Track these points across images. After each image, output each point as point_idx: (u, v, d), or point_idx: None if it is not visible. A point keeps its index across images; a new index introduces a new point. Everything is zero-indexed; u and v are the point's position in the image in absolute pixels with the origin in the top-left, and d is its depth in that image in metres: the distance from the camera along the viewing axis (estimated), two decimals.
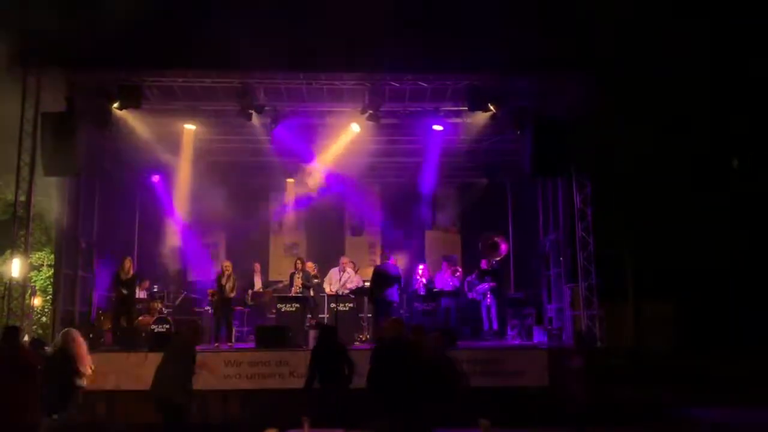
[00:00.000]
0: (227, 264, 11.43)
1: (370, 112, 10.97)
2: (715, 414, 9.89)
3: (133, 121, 11.22)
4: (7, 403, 5.95)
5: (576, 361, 7.04)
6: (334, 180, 14.23)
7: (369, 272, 12.54)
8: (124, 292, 11.02)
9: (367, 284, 11.87)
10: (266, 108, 11.15)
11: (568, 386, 7.04)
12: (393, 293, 11.13)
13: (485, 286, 12.36)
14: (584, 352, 7.08)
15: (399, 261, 12.56)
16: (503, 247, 12.70)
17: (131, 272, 11.18)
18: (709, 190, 16.33)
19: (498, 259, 12.70)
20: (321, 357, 7.06)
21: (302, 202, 14.77)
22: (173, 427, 6.42)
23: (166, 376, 6.48)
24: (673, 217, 16.16)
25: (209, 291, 12.12)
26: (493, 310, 12.32)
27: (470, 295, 12.65)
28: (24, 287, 10.25)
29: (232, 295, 11.20)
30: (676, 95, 14.93)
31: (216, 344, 10.77)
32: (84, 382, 7.11)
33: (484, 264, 12.57)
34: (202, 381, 8.05)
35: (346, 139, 12.24)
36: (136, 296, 11.74)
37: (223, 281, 11.12)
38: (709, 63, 14.86)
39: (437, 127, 11.83)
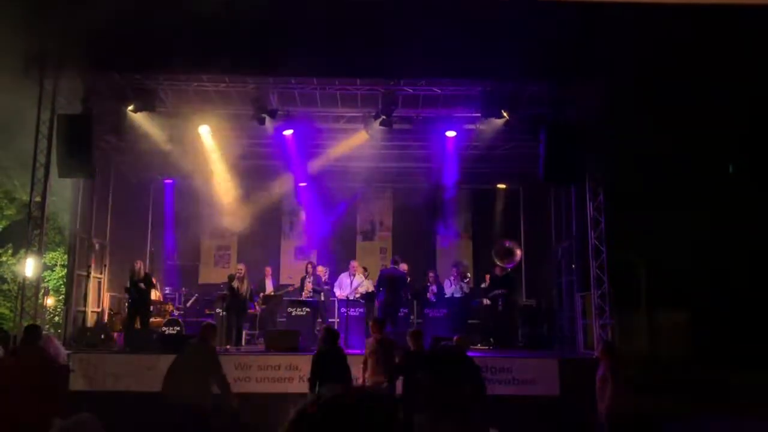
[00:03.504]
0: (241, 267, 11.51)
1: (383, 117, 10.97)
2: (732, 424, 9.76)
3: (147, 123, 11.29)
4: (27, 401, 6.00)
5: (603, 370, 6.95)
6: (346, 184, 14.24)
7: None
8: (139, 291, 11.05)
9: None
10: (279, 112, 11.19)
11: (597, 395, 6.95)
12: (399, 297, 11.08)
13: (497, 292, 12.30)
14: (612, 362, 6.99)
15: (409, 266, 12.53)
16: (518, 253, 12.62)
17: (143, 274, 11.23)
18: (726, 197, 16.16)
19: (512, 265, 12.63)
20: (324, 361, 7.08)
21: (314, 206, 14.78)
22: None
23: (196, 384, 6.45)
24: (688, 224, 16.01)
25: (219, 294, 12.19)
26: (505, 318, 12.24)
27: (485, 302, 12.58)
28: (37, 287, 10.31)
29: (246, 297, 11.29)
30: (692, 103, 14.80)
31: (227, 347, 10.80)
32: None
33: (497, 271, 12.51)
34: None
35: (358, 143, 12.24)
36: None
37: (237, 284, 11.18)
38: (725, 70, 14.73)
39: (450, 133, 11.82)
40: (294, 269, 14.43)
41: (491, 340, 11.90)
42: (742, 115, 15.32)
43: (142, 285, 11.05)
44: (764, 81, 14.23)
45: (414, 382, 6.24)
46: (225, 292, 11.84)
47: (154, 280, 12.24)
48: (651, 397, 9.87)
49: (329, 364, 7.08)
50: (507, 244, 12.69)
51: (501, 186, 14.34)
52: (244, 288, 11.30)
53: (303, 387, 9.03)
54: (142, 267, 11.33)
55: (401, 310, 11.58)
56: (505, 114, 10.87)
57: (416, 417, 5.71)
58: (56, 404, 6.19)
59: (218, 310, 12.40)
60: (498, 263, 12.51)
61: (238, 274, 11.38)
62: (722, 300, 16.55)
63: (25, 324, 9.95)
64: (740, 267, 16.33)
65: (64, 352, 8.25)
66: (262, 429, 8.57)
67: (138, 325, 10.99)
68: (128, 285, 11.14)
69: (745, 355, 15.00)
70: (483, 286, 12.71)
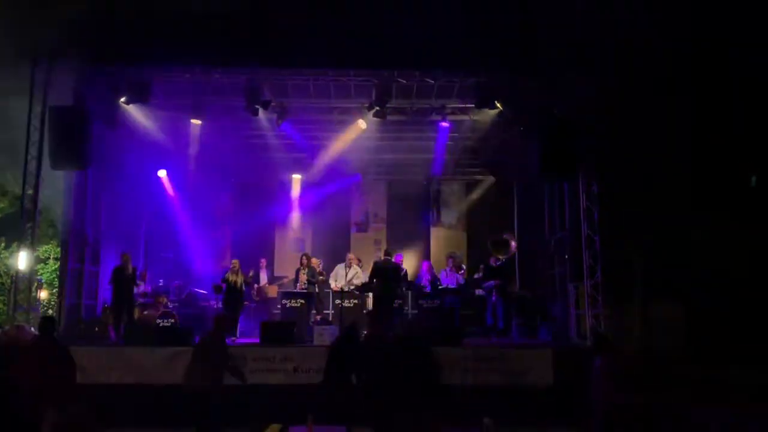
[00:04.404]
0: (234, 261, 11.56)
1: (377, 108, 10.96)
2: (725, 418, 9.83)
3: (139, 115, 11.24)
4: (39, 390, 6.07)
5: (598, 363, 6.98)
6: (339, 176, 14.24)
7: None
8: (125, 283, 11.01)
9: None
10: (272, 104, 11.15)
11: (591, 388, 6.98)
12: (393, 288, 11.11)
13: (491, 283, 12.33)
14: (606, 353, 7.01)
15: (404, 258, 12.55)
16: (512, 245, 12.65)
17: (129, 267, 11.18)
18: (721, 190, 16.22)
19: (506, 256, 12.65)
20: (339, 356, 7.17)
21: (308, 198, 14.78)
22: (203, 420, 6.48)
23: (200, 371, 6.60)
24: (682, 217, 16.06)
25: (214, 286, 12.18)
26: (499, 308, 12.28)
27: (478, 292, 12.61)
28: (30, 280, 10.28)
29: (242, 289, 11.34)
30: (688, 95, 14.83)
31: (232, 339, 10.81)
32: None
33: (492, 261, 12.54)
34: None
35: (352, 135, 12.23)
36: (141, 291, 11.75)
37: (232, 277, 11.22)
38: (724, 64, 14.75)
39: (444, 124, 11.81)
40: (288, 261, 14.43)
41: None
42: (741, 109, 15.37)
43: (125, 282, 10.97)
44: (762, 74, 14.28)
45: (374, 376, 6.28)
46: (220, 284, 11.86)
47: (138, 278, 12.07)
48: (646, 390, 9.94)
49: (336, 359, 7.20)
50: (502, 236, 12.71)
51: (494, 177, 14.35)
52: (239, 281, 11.35)
53: (297, 378, 9.08)
54: (129, 261, 11.23)
55: (395, 301, 11.59)
56: (499, 105, 10.87)
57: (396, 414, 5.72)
58: (64, 396, 6.23)
59: (212, 302, 12.41)
60: (493, 254, 12.54)
61: (232, 268, 11.41)
62: (718, 293, 16.61)
63: (19, 317, 9.99)
64: (736, 261, 16.38)
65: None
66: (257, 420, 8.64)
67: (125, 318, 10.95)
68: (114, 277, 11.07)
69: (739, 350, 15.07)
70: (476, 276, 12.74)
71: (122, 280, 10.97)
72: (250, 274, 12.12)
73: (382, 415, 5.78)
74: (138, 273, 11.59)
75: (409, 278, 12.53)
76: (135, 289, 11.45)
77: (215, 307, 12.19)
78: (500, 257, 12.50)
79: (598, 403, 6.81)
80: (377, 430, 5.85)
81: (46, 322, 6.77)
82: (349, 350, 7.28)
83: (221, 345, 7.01)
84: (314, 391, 7.42)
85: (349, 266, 12.28)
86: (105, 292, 12.64)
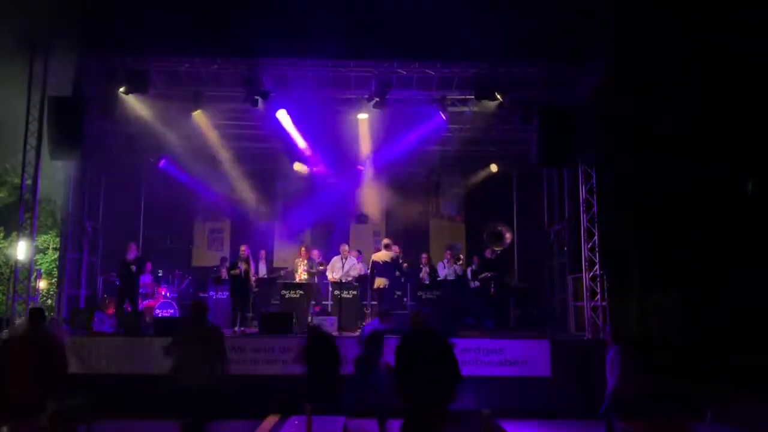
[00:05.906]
0: (243, 248, 11.53)
1: (377, 99, 10.93)
2: (721, 406, 9.86)
3: (139, 105, 11.20)
4: (27, 381, 6.07)
5: (613, 351, 7.05)
6: (339, 167, 14.21)
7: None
8: (129, 274, 11.05)
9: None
10: (272, 94, 11.12)
11: (609, 377, 7.05)
12: (393, 280, 11.12)
13: (488, 275, 12.35)
14: (621, 343, 7.07)
15: (402, 249, 12.55)
16: (507, 236, 12.66)
17: (135, 256, 11.21)
18: (717, 180, 16.24)
19: (501, 248, 12.67)
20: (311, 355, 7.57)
21: (307, 189, 14.75)
22: (202, 413, 6.41)
23: (197, 365, 6.36)
24: (680, 208, 16.07)
25: (214, 278, 12.19)
26: (496, 300, 12.31)
27: (472, 284, 12.64)
28: (29, 270, 10.29)
29: (250, 277, 11.38)
30: (688, 88, 14.82)
31: (242, 329, 10.83)
32: None
33: (487, 253, 12.56)
34: None
35: (352, 125, 12.20)
36: (141, 281, 11.78)
37: (243, 266, 11.21)
38: (720, 54, 14.72)
39: (444, 116, 11.79)
40: (288, 252, 14.43)
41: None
42: (741, 100, 15.35)
43: (133, 267, 11.04)
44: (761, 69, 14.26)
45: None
46: (224, 276, 11.88)
47: (149, 265, 12.19)
48: (656, 376, 9.96)
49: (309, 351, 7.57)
50: (497, 228, 12.72)
51: (494, 168, 14.33)
52: (249, 269, 11.36)
53: (296, 369, 9.09)
54: (135, 250, 11.31)
55: (395, 292, 11.61)
56: (498, 96, 10.85)
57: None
58: (55, 386, 6.25)
59: (212, 293, 12.43)
60: (488, 246, 12.56)
61: (241, 255, 11.39)
62: (715, 283, 16.65)
63: (18, 307, 10.00)
64: (735, 249, 16.42)
65: (66, 336, 8.29)
66: (256, 410, 8.68)
67: (128, 307, 10.99)
68: (120, 266, 11.12)
69: (738, 339, 15.11)
70: (471, 268, 12.76)
71: (127, 269, 11.02)
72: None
73: (411, 404, 5.79)
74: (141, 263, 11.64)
75: (407, 270, 12.53)
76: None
77: (215, 297, 12.21)
78: (496, 249, 12.51)
79: (616, 391, 6.90)
80: (406, 419, 5.83)
81: (36, 313, 6.79)
82: (322, 343, 7.51)
83: (205, 333, 6.65)
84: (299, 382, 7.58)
85: (345, 258, 12.27)
86: (104, 282, 12.68)
